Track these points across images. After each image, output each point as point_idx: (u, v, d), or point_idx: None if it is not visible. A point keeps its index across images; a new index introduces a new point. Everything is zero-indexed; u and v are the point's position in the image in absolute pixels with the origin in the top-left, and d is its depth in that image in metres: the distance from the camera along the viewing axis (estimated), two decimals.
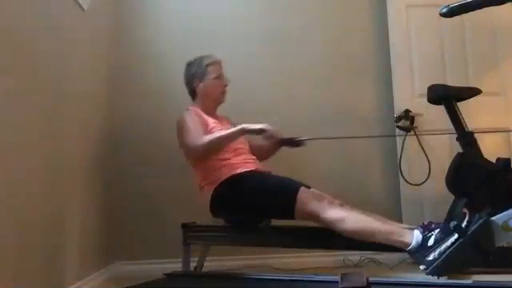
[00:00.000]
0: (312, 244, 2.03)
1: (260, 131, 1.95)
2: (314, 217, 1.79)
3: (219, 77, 2.19)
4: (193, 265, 2.14)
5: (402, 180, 2.59)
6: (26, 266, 1.47)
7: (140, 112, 2.68)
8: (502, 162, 1.78)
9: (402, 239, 1.64)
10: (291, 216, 1.85)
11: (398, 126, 2.66)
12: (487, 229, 1.51)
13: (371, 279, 1.54)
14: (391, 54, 2.79)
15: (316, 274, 1.91)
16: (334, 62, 2.87)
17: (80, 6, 2.04)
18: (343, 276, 1.57)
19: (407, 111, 2.65)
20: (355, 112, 2.83)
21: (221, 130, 2.04)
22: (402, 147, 2.60)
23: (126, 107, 2.67)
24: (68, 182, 1.86)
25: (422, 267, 1.58)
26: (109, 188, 2.48)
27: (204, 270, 2.16)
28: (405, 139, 2.61)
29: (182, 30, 2.79)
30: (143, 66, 2.73)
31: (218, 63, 2.21)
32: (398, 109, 2.70)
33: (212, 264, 2.26)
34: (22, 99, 1.48)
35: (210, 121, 2.11)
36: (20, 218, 1.43)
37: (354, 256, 2.54)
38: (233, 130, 1.98)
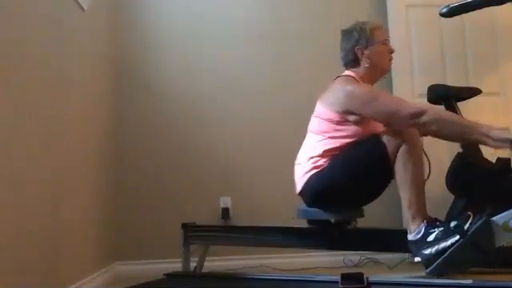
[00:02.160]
0: (312, 244, 2.03)
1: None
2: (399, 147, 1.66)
3: (386, 42, 1.95)
4: (193, 265, 2.14)
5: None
6: (26, 265, 1.47)
7: (140, 112, 2.68)
8: (502, 162, 1.78)
9: (411, 222, 1.64)
10: (387, 162, 1.68)
11: None
12: (487, 229, 1.51)
13: (371, 279, 1.55)
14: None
15: (316, 274, 1.91)
16: (334, 62, 2.85)
17: (80, 6, 2.04)
18: (343, 276, 1.57)
19: None
20: None
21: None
22: None
23: (127, 107, 2.67)
24: (68, 182, 1.86)
25: (416, 259, 1.61)
26: (109, 188, 2.48)
27: (204, 270, 2.16)
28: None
29: (182, 30, 2.79)
30: (143, 66, 2.73)
31: (382, 27, 1.98)
32: None
33: (212, 264, 2.26)
34: (21, 99, 1.48)
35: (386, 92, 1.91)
36: (20, 218, 1.43)
37: (354, 256, 2.54)
38: (477, 125, 1.59)
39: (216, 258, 2.34)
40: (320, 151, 1.80)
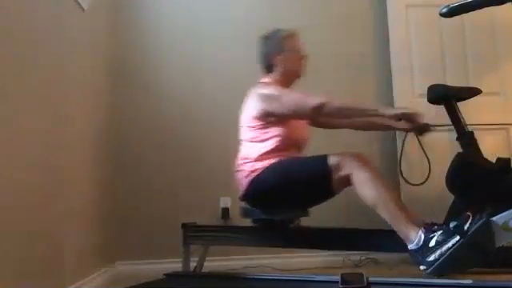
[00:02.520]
0: (312, 244, 2.03)
1: (402, 116, 1.78)
2: (348, 179, 1.72)
3: (299, 49, 2.08)
4: (193, 265, 2.14)
5: (402, 180, 2.59)
6: (26, 265, 1.47)
7: (140, 112, 2.68)
8: (502, 162, 1.78)
9: (407, 233, 1.63)
10: (328, 186, 1.76)
11: None
12: (487, 229, 1.51)
13: (371, 279, 1.54)
14: (391, 53, 2.79)
15: (316, 274, 1.91)
16: (334, 62, 2.87)
17: (80, 6, 2.04)
18: (343, 276, 1.57)
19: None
20: None
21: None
22: (402, 147, 2.60)
23: (126, 107, 2.67)
24: (68, 182, 1.86)
25: (422, 267, 1.59)
26: (109, 188, 2.48)
27: (204, 270, 2.16)
28: (405, 139, 2.61)
29: (182, 30, 2.79)
30: (143, 66, 2.73)
31: (295, 35, 2.11)
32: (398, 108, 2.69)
33: (212, 264, 2.26)
34: (21, 99, 1.48)
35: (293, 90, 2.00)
36: (20, 218, 1.43)
37: (354, 256, 2.55)
38: (368, 106, 1.88)
39: (216, 258, 2.34)
40: (255, 156, 1.92)
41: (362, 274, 1.57)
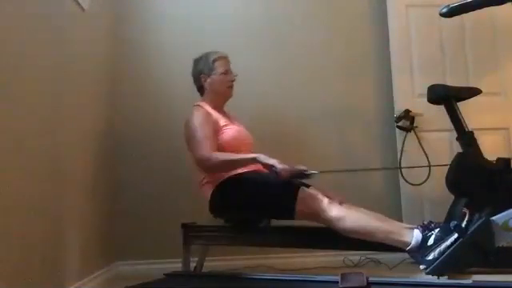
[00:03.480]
0: (312, 244, 2.03)
1: (270, 168, 1.91)
2: (315, 216, 1.79)
3: (226, 72, 2.20)
4: (193, 265, 2.14)
5: (401, 180, 2.59)
6: (26, 265, 1.47)
7: (140, 112, 2.68)
8: (502, 162, 1.78)
9: (401, 239, 1.64)
10: (291, 216, 1.85)
11: (398, 126, 2.66)
12: (487, 229, 1.51)
13: (371, 279, 1.54)
14: (391, 53, 2.79)
15: (316, 274, 1.91)
16: (334, 62, 2.87)
17: (80, 6, 2.04)
18: (343, 276, 1.57)
19: (407, 111, 2.65)
20: (355, 112, 2.83)
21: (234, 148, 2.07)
22: (402, 147, 2.60)
23: (126, 107, 2.67)
24: (68, 183, 1.86)
25: (421, 267, 1.59)
26: (109, 188, 2.48)
27: (204, 270, 2.16)
28: (405, 139, 2.61)
29: (182, 30, 2.79)
30: (143, 66, 2.73)
31: (224, 58, 2.23)
32: (398, 109, 2.70)
33: (212, 264, 2.26)
34: (21, 99, 1.48)
35: (221, 120, 2.12)
36: (20, 218, 1.43)
37: (354, 256, 2.54)
38: (247, 156, 1.98)
39: (216, 258, 2.34)
40: (204, 173, 2.07)
41: (362, 274, 1.57)
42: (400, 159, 2.60)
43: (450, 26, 2.75)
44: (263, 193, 1.91)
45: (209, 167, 1.97)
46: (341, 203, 1.82)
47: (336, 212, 1.75)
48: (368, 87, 2.86)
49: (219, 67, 2.19)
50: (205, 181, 2.06)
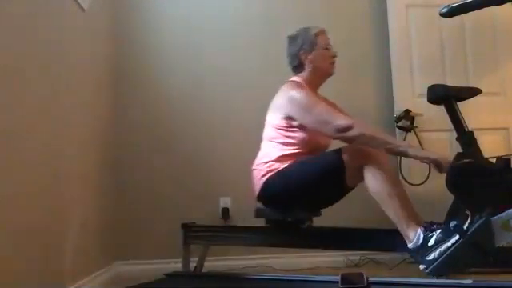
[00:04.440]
0: (312, 244, 2.03)
1: (433, 162, 1.77)
2: (361, 172, 1.73)
3: (328, 47, 2.04)
4: (193, 265, 2.14)
5: (402, 180, 2.59)
6: (26, 265, 1.47)
7: (140, 112, 2.68)
8: (502, 162, 1.78)
9: (406, 231, 1.64)
10: (343, 180, 1.76)
11: (398, 126, 2.66)
12: (487, 229, 1.51)
13: (371, 279, 1.55)
14: (391, 54, 2.79)
15: (316, 274, 1.91)
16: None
17: (80, 6, 2.04)
18: (343, 276, 1.57)
19: (407, 111, 2.65)
20: (355, 112, 2.80)
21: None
22: None
23: (126, 107, 2.67)
24: (68, 182, 1.86)
25: (421, 267, 1.59)
26: (109, 188, 2.48)
27: (204, 270, 2.16)
28: (405, 139, 2.61)
29: (182, 30, 2.79)
30: (143, 66, 2.73)
31: (325, 33, 2.06)
32: (398, 109, 2.70)
33: (212, 264, 2.26)
34: (21, 99, 1.48)
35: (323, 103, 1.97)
36: (20, 218, 1.43)
37: (354, 256, 2.55)
38: (401, 144, 1.84)
39: (216, 258, 2.34)
40: (274, 157, 1.90)
41: (362, 274, 1.57)
42: (400, 159, 2.60)
43: (450, 25, 2.75)
44: (312, 167, 1.81)
45: (352, 137, 1.77)
46: (383, 164, 1.73)
47: (370, 171, 1.71)
48: (368, 87, 2.86)
49: (322, 42, 2.01)
50: (263, 167, 1.91)
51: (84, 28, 2.12)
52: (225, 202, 2.62)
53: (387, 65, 2.81)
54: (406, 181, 2.54)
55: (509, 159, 1.78)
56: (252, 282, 1.79)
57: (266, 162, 1.91)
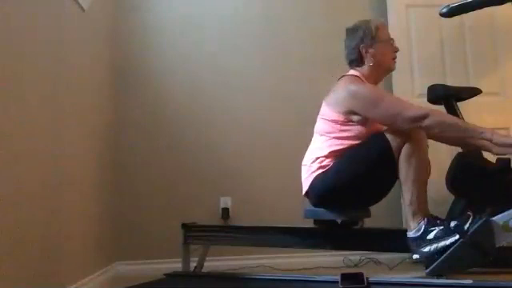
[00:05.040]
0: (312, 244, 2.03)
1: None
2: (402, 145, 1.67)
3: (390, 41, 1.93)
4: (193, 265, 2.14)
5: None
6: (26, 265, 1.47)
7: (140, 112, 2.68)
8: (502, 162, 1.78)
9: (411, 219, 1.65)
10: (392, 161, 1.68)
11: None
12: (487, 229, 1.51)
13: (371, 279, 1.55)
14: None
15: (316, 274, 1.91)
16: (334, 62, 2.85)
17: (80, 6, 2.04)
18: (343, 276, 1.57)
19: None
20: None
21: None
22: None
23: (126, 107, 2.67)
24: (68, 182, 1.86)
25: (414, 256, 1.61)
26: (109, 188, 2.48)
27: (204, 270, 2.16)
28: None
29: (182, 30, 2.79)
30: (143, 66, 2.73)
31: (386, 26, 1.97)
32: None
33: (212, 264, 2.26)
34: (21, 99, 1.48)
35: (390, 94, 1.93)
36: (20, 218, 1.43)
37: (354, 256, 2.55)
38: (475, 127, 1.64)
39: (216, 257, 2.34)
40: (326, 152, 1.80)
41: (362, 274, 1.57)
42: None
43: (450, 25, 2.75)
44: (359, 155, 1.74)
45: (428, 126, 1.64)
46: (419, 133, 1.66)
47: (411, 149, 1.65)
48: None
49: (384, 35, 1.92)
50: (312, 163, 1.84)
51: (84, 28, 2.12)
52: (225, 202, 2.62)
53: None
54: None
55: (509, 159, 1.78)
56: (252, 282, 1.78)
57: (317, 158, 1.82)
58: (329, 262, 2.52)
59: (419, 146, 1.66)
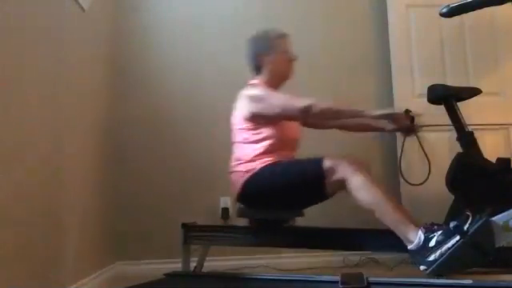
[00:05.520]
0: (312, 244, 2.03)
1: (385, 117, 1.89)
2: (342, 184, 1.73)
3: (287, 51, 2.06)
4: (193, 265, 2.14)
5: (402, 180, 2.59)
6: (26, 265, 1.47)
7: (140, 112, 2.68)
8: (502, 162, 1.78)
9: (407, 235, 1.63)
10: (322, 189, 1.76)
11: None
12: (487, 229, 1.51)
13: (371, 279, 1.54)
14: (391, 54, 2.79)
15: (316, 274, 1.91)
16: (334, 62, 2.87)
17: (80, 7, 2.04)
18: (343, 276, 1.57)
19: (407, 111, 2.65)
20: None
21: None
22: (402, 147, 2.59)
23: (126, 107, 2.67)
24: (68, 182, 1.86)
25: (422, 267, 1.58)
26: (108, 188, 2.48)
27: (204, 269, 2.16)
28: (405, 139, 2.60)
29: (182, 30, 2.79)
30: (143, 66, 2.73)
31: (285, 37, 2.08)
32: (398, 109, 2.69)
33: (212, 264, 2.26)
34: (21, 99, 1.48)
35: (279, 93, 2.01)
36: (19, 218, 1.43)
37: (354, 256, 2.55)
38: (355, 107, 1.88)
39: (216, 258, 2.34)
40: (249, 157, 1.91)
41: (362, 274, 1.57)
42: (400, 159, 2.60)
43: (450, 25, 2.75)
44: (292, 173, 1.82)
45: (318, 113, 1.84)
46: (366, 172, 1.75)
47: (359, 181, 1.70)
48: (368, 87, 2.86)
49: (281, 45, 2.05)
50: (240, 169, 1.93)
51: (84, 28, 2.12)
52: (225, 202, 2.63)
53: (387, 65, 2.81)
54: (406, 181, 2.54)
55: (509, 159, 1.78)
56: (252, 282, 1.78)
57: (241, 164, 1.93)
58: (329, 262, 2.52)
59: (363, 175, 1.71)
